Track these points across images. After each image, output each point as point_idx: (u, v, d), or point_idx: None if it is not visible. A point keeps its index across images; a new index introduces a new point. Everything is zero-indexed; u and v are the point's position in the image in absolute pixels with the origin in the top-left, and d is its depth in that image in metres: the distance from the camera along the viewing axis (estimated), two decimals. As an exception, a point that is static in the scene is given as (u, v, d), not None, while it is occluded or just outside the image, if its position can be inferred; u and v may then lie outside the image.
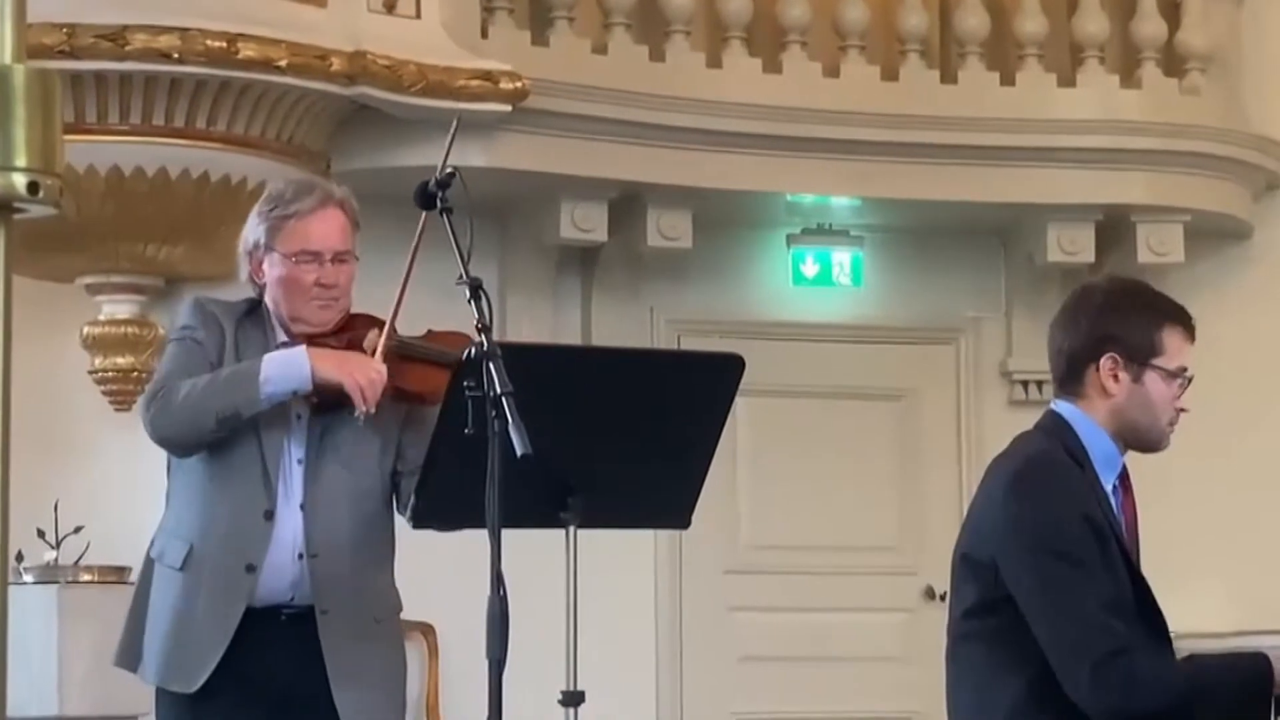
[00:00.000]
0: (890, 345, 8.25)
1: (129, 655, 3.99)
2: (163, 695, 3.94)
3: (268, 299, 4.00)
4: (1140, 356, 3.54)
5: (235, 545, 3.86)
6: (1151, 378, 3.54)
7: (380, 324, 3.97)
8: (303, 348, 3.86)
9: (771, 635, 7.94)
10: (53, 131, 5.03)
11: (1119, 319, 3.55)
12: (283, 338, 3.97)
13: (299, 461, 3.91)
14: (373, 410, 3.80)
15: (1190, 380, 3.60)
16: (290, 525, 3.89)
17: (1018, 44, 7.99)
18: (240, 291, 4.09)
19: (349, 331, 3.98)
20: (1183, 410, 3.60)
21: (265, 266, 3.97)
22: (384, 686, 3.98)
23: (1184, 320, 3.62)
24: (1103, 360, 3.54)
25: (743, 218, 7.94)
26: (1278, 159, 8.22)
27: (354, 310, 4.05)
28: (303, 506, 3.89)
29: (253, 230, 3.99)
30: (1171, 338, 3.57)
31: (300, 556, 3.88)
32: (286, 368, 3.81)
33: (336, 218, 3.97)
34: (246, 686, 3.86)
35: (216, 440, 3.87)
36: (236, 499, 3.88)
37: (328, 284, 3.93)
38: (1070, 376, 3.58)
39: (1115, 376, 3.54)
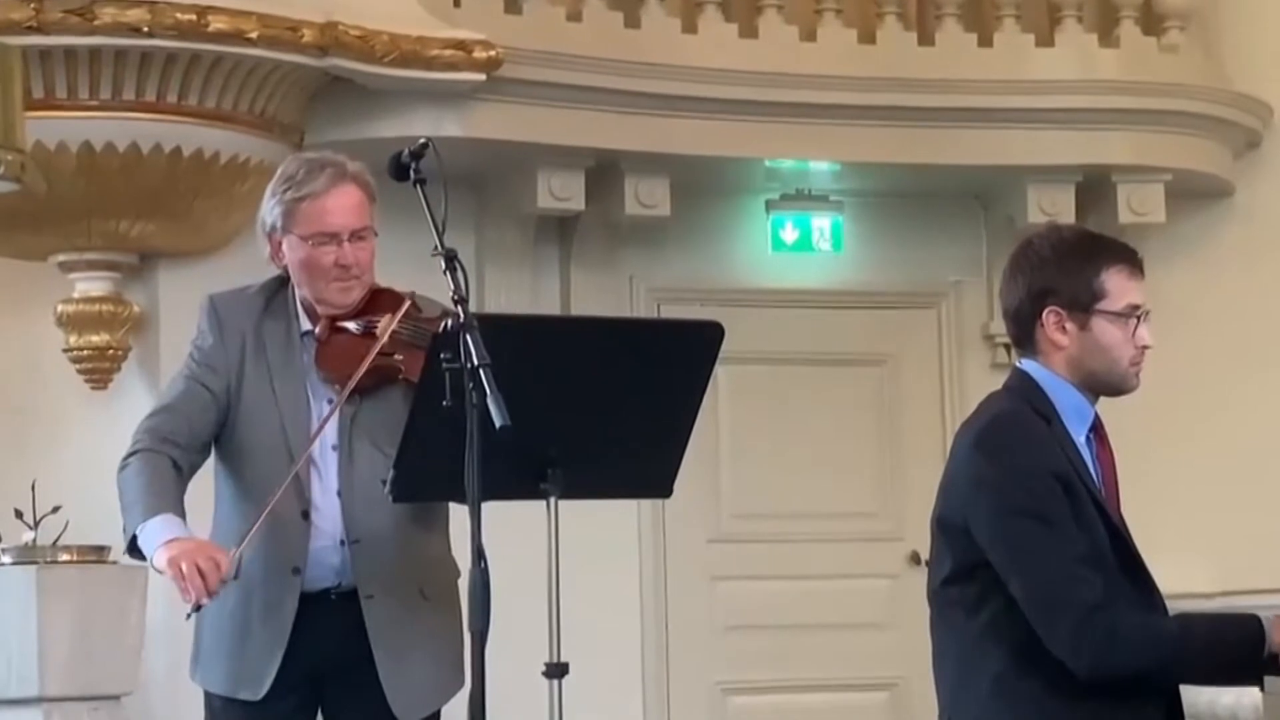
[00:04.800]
0: (871, 310, 8.23)
1: (195, 666, 4.00)
2: (221, 702, 3.93)
3: (292, 279, 3.96)
4: (1082, 304, 3.49)
5: (278, 550, 3.84)
6: (1099, 323, 3.49)
7: (399, 304, 3.92)
8: (165, 536, 3.71)
9: (756, 604, 7.93)
10: (12, 106, 4.96)
11: (1054, 271, 3.50)
12: (306, 326, 3.94)
13: (334, 448, 3.88)
14: (203, 601, 3.65)
15: (1145, 315, 3.54)
16: (329, 514, 3.87)
17: (995, 4, 7.96)
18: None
19: (367, 315, 3.93)
20: (1146, 347, 3.54)
21: (284, 249, 3.92)
22: (431, 660, 3.94)
23: (1124, 258, 3.53)
24: (1045, 314, 3.50)
25: (721, 184, 7.91)
26: (1258, 116, 8.20)
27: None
28: (339, 493, 3.87)
29: (268, 213, 3.94)
30: (1113, 279, 3.51)
31: (343, 543, 3.86)
32: (149, 541, 3.71)
33: (351, 194, 3.91)
34: (292, 670, 3.86)
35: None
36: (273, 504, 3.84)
37: (346, 264, 3.88)
38: (1021, 335, 3.56)
39: (1062, 328, 3.50)
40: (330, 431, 3.87)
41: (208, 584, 3.61)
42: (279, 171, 3.99)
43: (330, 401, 3.88)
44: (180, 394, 3.92)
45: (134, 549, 3.79)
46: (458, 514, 3.91)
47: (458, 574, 4.02)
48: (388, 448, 3.82)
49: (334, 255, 3.87)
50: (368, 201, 3.93)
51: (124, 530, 3.79)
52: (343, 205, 3.89)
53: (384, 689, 3.85)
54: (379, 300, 3.96)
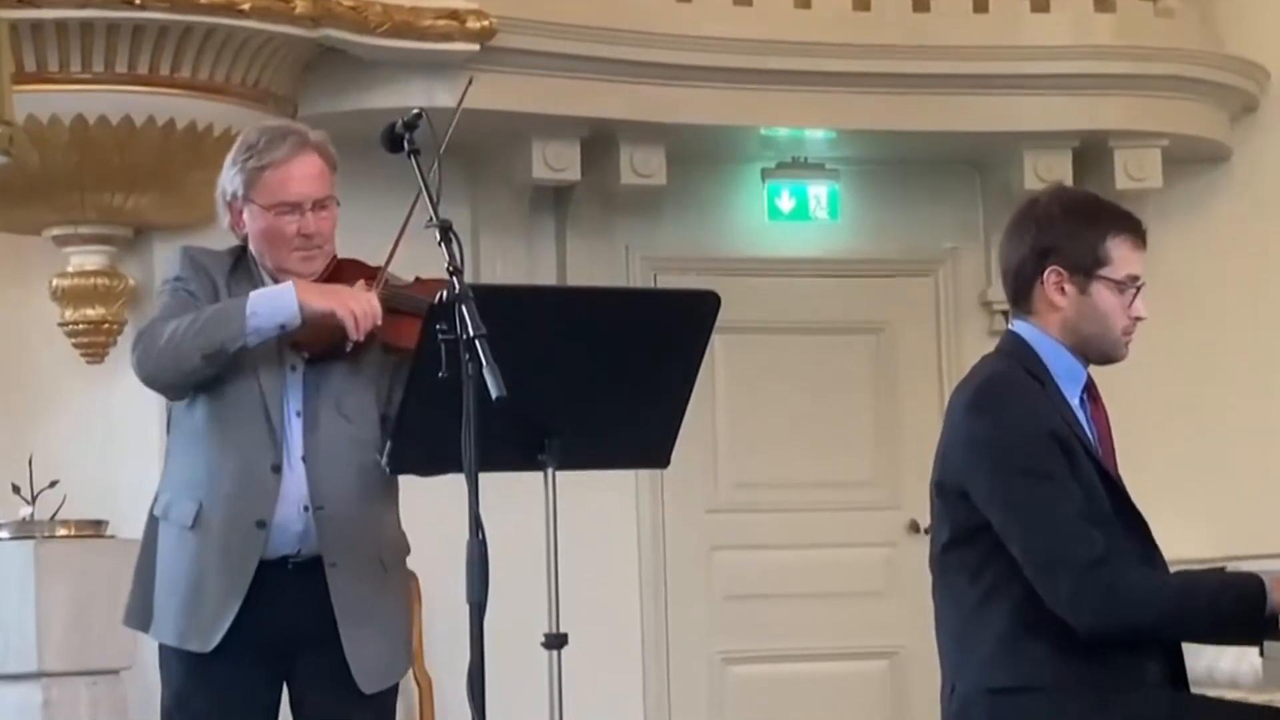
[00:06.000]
0: (868, 278, 8.21)
1: (140, 615, 3.97)
2: (173, 654, 3.92)
3: (252, 248, 3.96)
4: (1084, 268, 3.50)
5: (244, 502, 3.83)
6: (1098, 289, 3.50)
7: (369, 272, 3.92)
8: (291, 282, 3.81)
9: (755, 573, 7.92)
10: (0, 79, 4.89)
11: (1061, 231, 3.51)
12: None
13: (297, 414, 3.89)
14: (362, 339, 3.77)
15: (1141, 287, 3.53)
16: (294, 479, 3.86)
17: (990, -30, 7.92)
18: (215, 240, 4.04)
19: (336, 281, 3.93)
20: (1139, 318, 3.54)
21: (245, 218, 3.94)
22: (390, 632, 3.98)
23: (1130, 228, 3.54)
24: (1046, 274, 3.51)
25: (717, 153, 7.88)
26: (1254, 80, 8.17)
27: (341, 256, 4.00)
28: (304, 459, 3.87)
29: (229, 181, 3.95)
30: (1117, 247, 3.51)
31: (306, 509, 3.86)
32: (274, 301, 3.77)
33: (313, 163, 3.92)
34: (256, 638, 3.85)
35: (204, 379, 3.83)
36: (243, 454, 3.85)
37: (309, 233, 3.89)
38: (1019, 293, 3.56)
39: (1061, 289, 3.51)
40: (295, 397, 3.88)
41: (368, 324, 3.76)
42: (239, 140, 3.99)
43: (293, 369, 3.89)
44: (182, 308, 3.88)
45: (220, 356, 3.77)
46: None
47: (408, 551, 4.05)
48: (352, 414, 3.87)
49: (296, 225, 3.88)
50: (329, 171, 3.95)
51: (216, 346, 3.74)
52: (305, 174, 3.90)
53: (347, 658, 3.84)
54: (345, 269, 3.97)
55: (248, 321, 3.75)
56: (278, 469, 3.84)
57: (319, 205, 3.90)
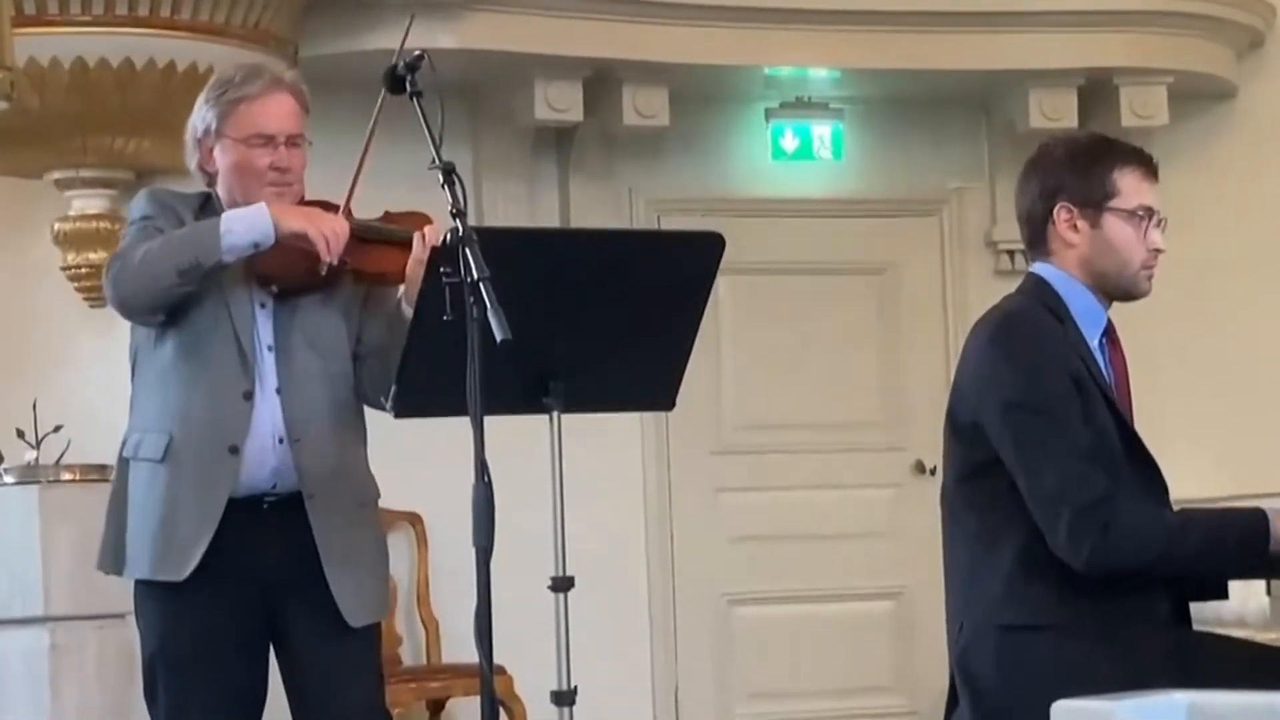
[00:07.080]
0: (872, 218, 8.18)
1: (113, 558, 3.96)
2: (148, 589, 3.91)
3: (220, 189, 3.97)
4: (1094, 201, 3.51)
5: (216, 428, 3.83)
6: (1110, 221, 3.50)
7: (335, 209, 3.92)
8: (264, 204, 3.82)
9: (760, 515, 7.92)
10: (0, 24, 4.85)
11: (1067, 169, 3.53)
12: None
13: (269, 348, 3.89)
14: (335, 262, 3.78)
15: (1157, 219, 3.53)
16: (268, 410, 3.86)
17: (994, -94, 7.85)
18: (198, 188, 4.02)
19: None
20: (1158, 250, 3.53)
21: (216, 154, 3.95)
22: (373, 567, 3.99)
23: (1137, 159, 3.55)
24: (1056, 211, 3.52)
25: (720, 93, 7.84)
26: (1260, 16, 8.13)
27: (309, 197, 4.00)
28: (278, 391, 3.87)
29: (201, 117, 3.95)
30: (1125, 178, 3.52)
31: (280, 441, 3.86)
32: (249, 219, 3.79)
33: (287, 101, 3.94)
34: (235, 575, 3.84)
35: (178, 299, 3.82)
36: (214, 382, 3.85)
37: (282, 167, 3.90)
38: (1034, 237, 3.58)
39: (1073, 226, 3.52)
40: (265, 331, 3.89)
41: (339, 246, 3.79)
42: (213, 79, 4.01)
43: (263, 305, 3.90)
44: (149, 241, 3.87)
45: (195, 272, 3.77)
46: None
47: (378, 493, 4.05)
48: (325, 349, 3.90)
49: (269, 158, 3.89)
50: (302, 111, 3.97)
51: (191, 262, 3.74)
52: (279, 111, 3.92)
53: (334, 593, 3.85)
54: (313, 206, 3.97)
55: (223, 239, 3.76)
56: (249, 396, 3.84)
57: (291, 141, 3.92)
